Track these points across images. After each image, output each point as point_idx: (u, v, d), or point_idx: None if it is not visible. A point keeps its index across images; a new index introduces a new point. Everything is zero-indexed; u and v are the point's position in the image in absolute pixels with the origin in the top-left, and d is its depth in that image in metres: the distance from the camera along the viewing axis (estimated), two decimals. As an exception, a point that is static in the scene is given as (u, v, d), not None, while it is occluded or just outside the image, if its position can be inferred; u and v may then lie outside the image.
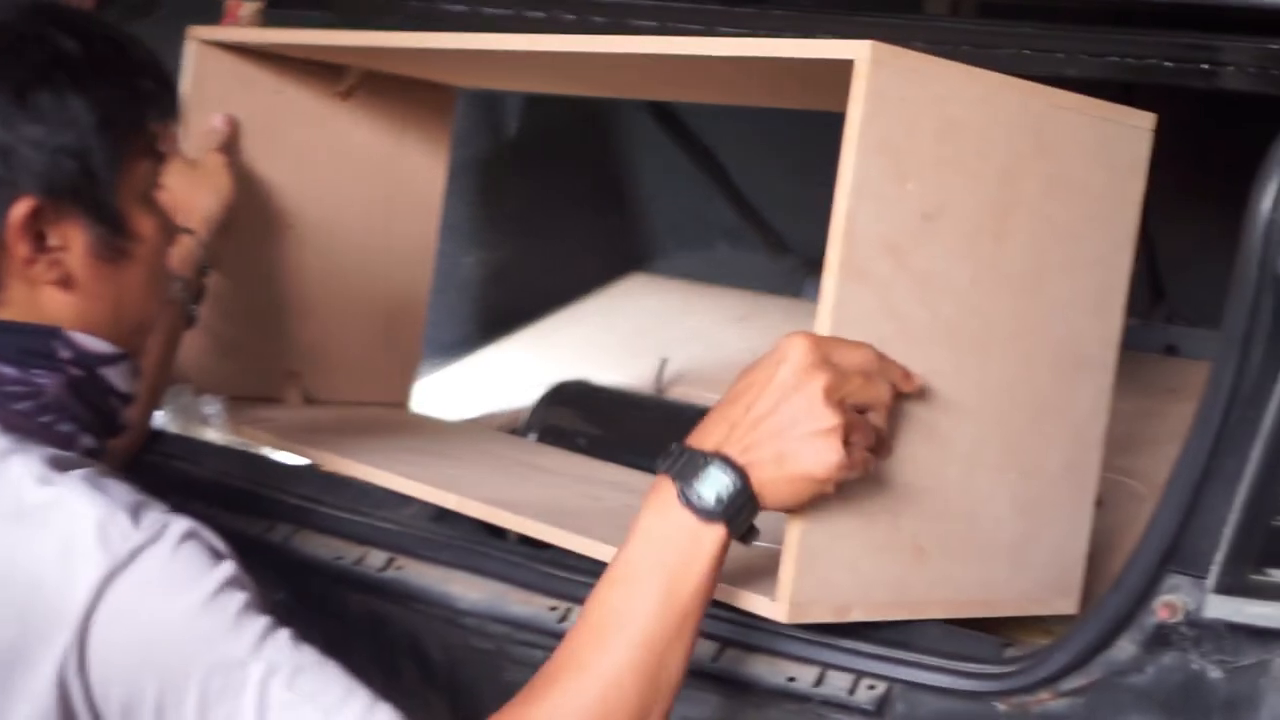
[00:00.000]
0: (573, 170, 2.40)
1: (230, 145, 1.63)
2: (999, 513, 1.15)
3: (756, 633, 1.14)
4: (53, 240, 1.09)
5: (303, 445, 1.53)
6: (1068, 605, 1.21)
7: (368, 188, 1.76)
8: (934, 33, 1.36)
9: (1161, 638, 1.06)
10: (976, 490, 1.13)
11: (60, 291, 1.10)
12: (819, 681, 1.13)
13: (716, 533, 1.00)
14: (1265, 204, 1.05)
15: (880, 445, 1.05)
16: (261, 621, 1.00)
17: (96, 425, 1.13)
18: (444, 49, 1.43)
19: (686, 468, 1.01)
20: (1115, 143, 1.18)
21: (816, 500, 1.03)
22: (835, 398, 1.00)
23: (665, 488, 1.01)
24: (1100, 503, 1.24)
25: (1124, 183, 1.20)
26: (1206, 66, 1.25)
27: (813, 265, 2.16)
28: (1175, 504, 1.06)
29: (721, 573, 1.03)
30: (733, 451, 1.01)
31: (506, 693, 1.26)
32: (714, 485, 1.00)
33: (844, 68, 1.04)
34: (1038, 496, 1.18)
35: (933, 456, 1.10)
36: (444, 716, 1.34)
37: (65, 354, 1.10)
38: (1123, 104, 1.19)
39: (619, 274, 2.26)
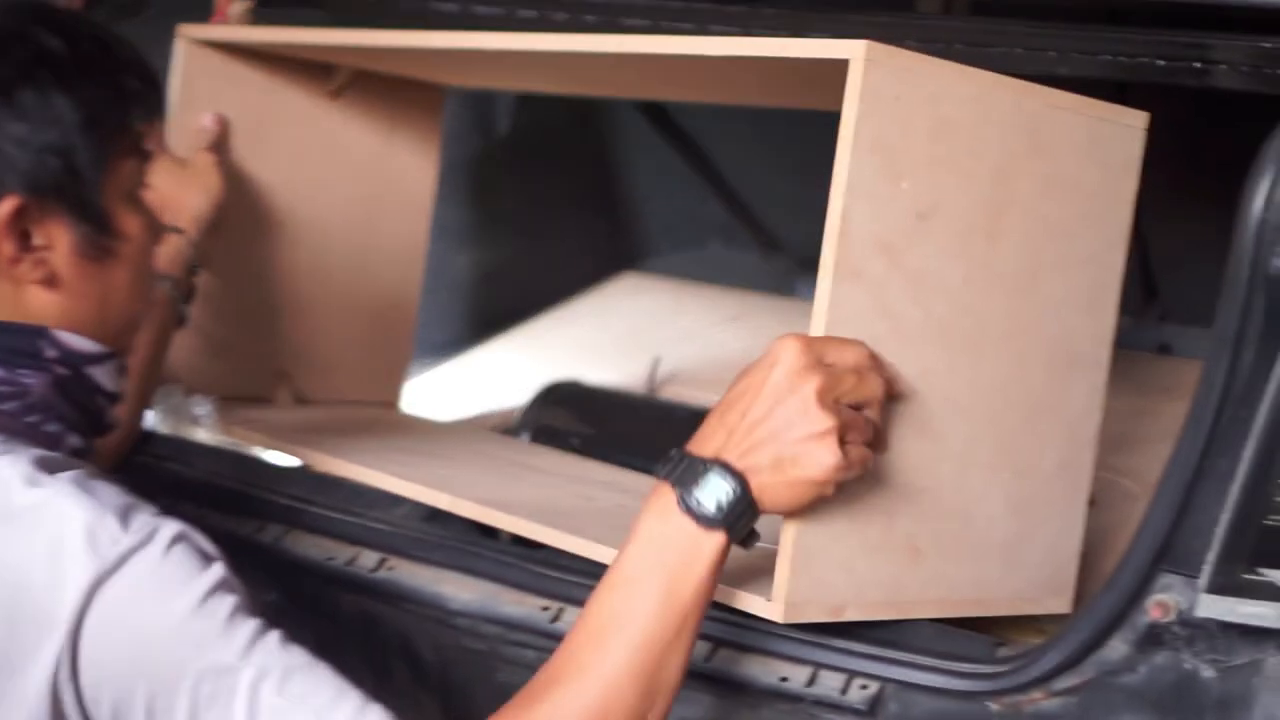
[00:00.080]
0: (565, 169, 2.40)
1: (220, 144, 1.63)
2: (992, 512, 1.15)
3: (749, 633, 1.14)
4: (37, 239, 1.09)
5: (294, 445, 1.52)
6: (1061, 604, 1.21)
7: (358, 187, 1.76)
8: (926, 31, 1.35)
9: (1154, 637, 1.06)
10: (970, 489, 1.13)
11: (45, 290, 1.10)
12: (811, 681, 1.13)
13: (716, 539, 1.00)
14: (1257, 203, 1.05)
15: (877, 440, 1.05)
16: (251, 624, 1.00)
17: (83, 425, 1.13)
18: (436, 48, 1.43)
19: (686, 474, 1.01)
20: (1108, 142, 1.18)
21: (816, 502, 1.03)
22: (829, 399, 1.00)
23: (665, 494, 1.01)
24: (1093, 502, 1.24)
25: (1117, 182, 1.20)
26: (1199, 65, 1.24)
27: (806, 265, 2.16)
28: (1168, 503, 1.06)
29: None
30: (731, 457, 1.01)
31: (499, 693, 1.26)
32: (714, 492, 1.00)
33: (838, 67, 1.04)
34: (1031, 495, 1.18)
35: (927, 455, 1.10)
36: (436, 717, 1.34)
37: (51, 353, 1.10)
38: (1116, 103, 1.19)
39: (611, 273, 2.26)
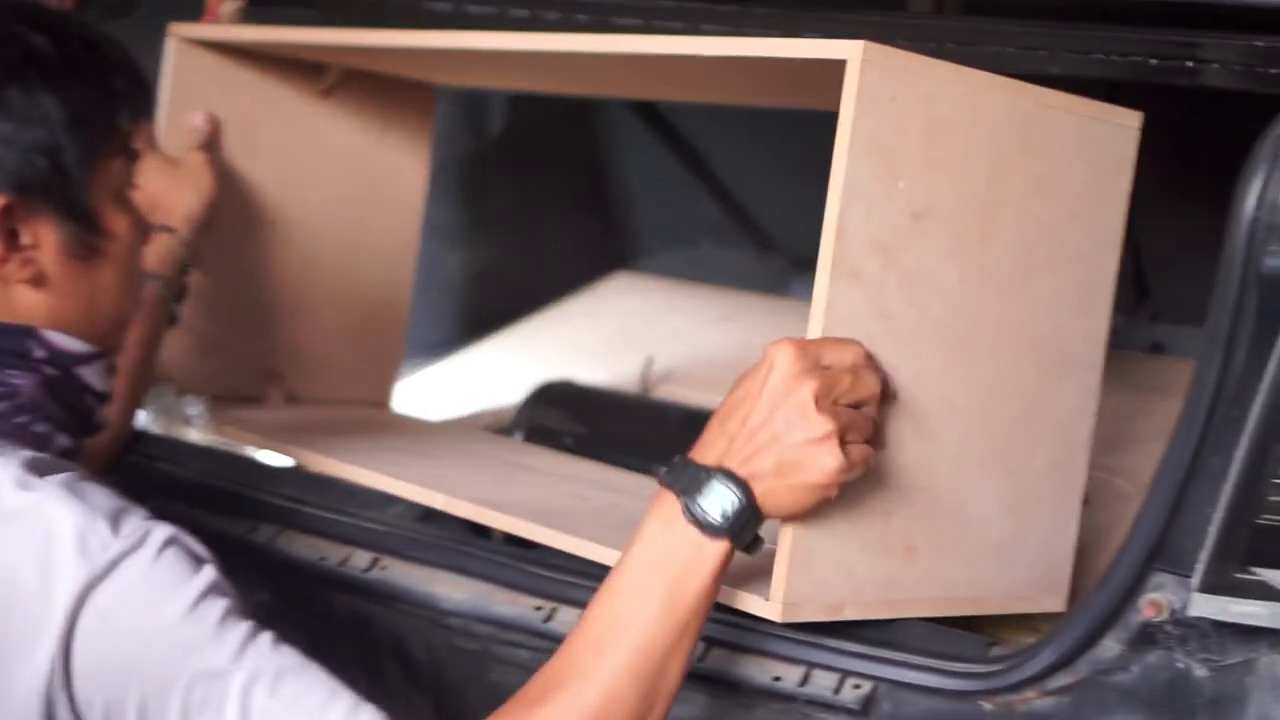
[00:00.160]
0: (557, 169, 2.40)
1: (211, 143, 1.63)
2: (987, 511, 1.15)
3: (743, 632, 1.14)
4: (25, 238, 1.08)
5: (288, 445, 1.52)
6: (1055, 603, 1.22)
7: (349, 186, 1.76)
8: (918, 30, 1.35)
9: (1147, 636, 1.06)
10: (965, 488, 1.14)
11: (33, 290, 1.10)
12: (804, 681, 1.13)
13: (720, 547, 1.01)
14: (1249, 202, 1.05)
15: (875, 437, 1.05)
16: (243, 627, 1.00)
17: (72, 425, 1.13)
18: (428, 48, 1.43)
19: (690, 483, 1.01)
20: (1101, 141, 1.18)
21: (821, 505, 1.03)
22: (827, 402, 1.01)
23: (669, 502, 1.02)
24: (1087, 501, 1.24)
25: (1110, 181, 1.20)
26: (1191, 64, 1.24)
27: (799, 264, 2.16)
28: (1160, 502, 1.06)
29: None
30: (733, 464, 1.01)
31: (492, 693, 1.27)
32: (718, 501, 1.00)
33: (834, 67, 1.04)
34: (1025, 495, 1.18)
35: (923, 455, 1.10)
36: (429, 717, 1.34)
37: (40, 353, 1.10)
38: (1108, 102, 1.19)
39: (604, 273, 2.26)
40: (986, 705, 1.09)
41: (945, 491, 1.12)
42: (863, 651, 1.12)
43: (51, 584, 0.98)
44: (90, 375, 1.13)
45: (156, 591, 0.99)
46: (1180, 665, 1.05)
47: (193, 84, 1.63)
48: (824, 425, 1.00)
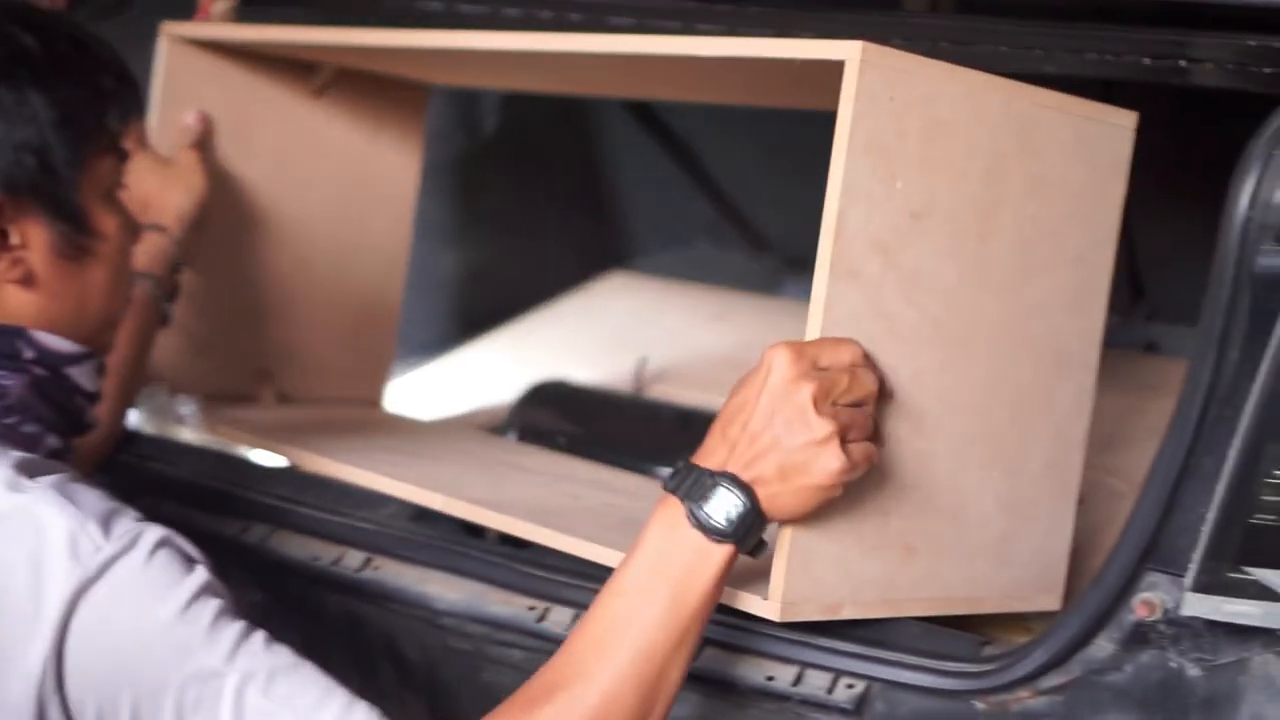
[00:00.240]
0: (551, 168, 2.40)
1: (203, 142, 1.63)
2: (984, 510, 1.15)
3: (737, 632, 1.14)
4: (13, 238, 1.08)
5: (282, 445, 1.52)
6: (1051, 601, 1.22)
7: (341, 185, 1.76)
8: (912, 30, 1.35)
9: (1140, 636, 1.06)
10: (962, 488, 1.14)
11: (22, 290, 1.09)
12: (798, 680, 1.13)
13: (724, 551, 1.01)
14: (1242, 201, 1.05)
15: (876, 435, 1.05)
16: (236, 628, 1.00)
17: (62, 425, 1.12)
18: (420, 48, 1.43)
19: (695, 488, 1.01)
20: (1097, 141, 1.18)
21: (825, 505, 1.03)
22: (826, 403, 1.01)
23: (673, 507, 1.02)
24: (1081, 500, 1.24)
25: (1105, 181, 1.20)
26: (1184, 63, 1.24)
27: (793, 264, 2.16)
28: (1153, 502, 1.06)
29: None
30: (736, 469, 1.01)
31: (485, 693, 1.26)
32: (723, 506, 1.00)
33: (831, 67, 1.04)
34: (1022, 494, 1.18)
35: (921, 454, 1.11)
36: (422, 718, 1.34)
37: (29, 354, 1.10)
38: (1103, 101, 1.19)
39: (598, 272, 2.25)
40: (980, 705, 1.09)
41: (943, 491, 1.12)
42: (856, 651, 1.12)
43: (43, 587, 0.98)
44: (80, 375, 1.13)
45: (149, 593, 0.99)
46: (1173, 665, 1.05)
47: (185, 83, 1.63)
48: (824, 427, 1.00)
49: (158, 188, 1.54)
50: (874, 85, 1.03)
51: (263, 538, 1.40)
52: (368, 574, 1.34)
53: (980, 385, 1.13)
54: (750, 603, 1.08)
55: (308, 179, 1.73)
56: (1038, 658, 1.08)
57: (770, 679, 1.14)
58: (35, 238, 1.09)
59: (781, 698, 1.13)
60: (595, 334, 2.08)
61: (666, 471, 1.55)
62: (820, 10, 1.43)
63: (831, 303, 1.04)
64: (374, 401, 1.84)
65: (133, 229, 1.18)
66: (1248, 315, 1.05)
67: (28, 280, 1.09)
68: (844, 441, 1.01)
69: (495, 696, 1.02)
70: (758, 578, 1.08)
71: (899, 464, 1.09)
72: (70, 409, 1.13)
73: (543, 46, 1.29)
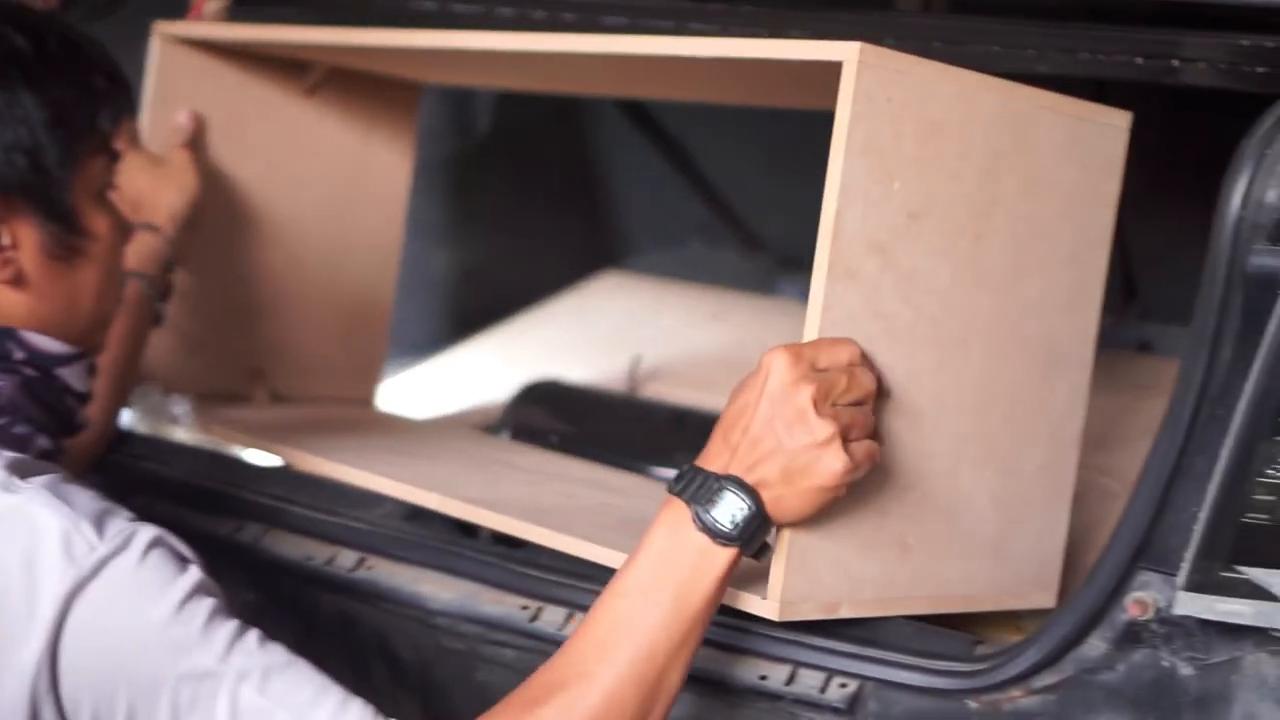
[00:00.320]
0: (545, 167, 2.40)
1: (195, 141, 1.62)
2: (980, 509, 1.16)
3: (729, 631, 1.14)
4: (4, 238, 1.08)
5: (277, 445, 1.52)
6: (1046, 599, 1.22)
7: (333, 184, 1.75)
8: (905, 29, 1.35)
9: (1132, 635, 1.06)
10: (958, 487, 1.14)
11: (12, 290, 1.09)
12: (791, 680, 1.13)
13: (728, 553, 1.01)
14: (1234, 201, 1.05)
15: (875, 433, 1.06)
16: (230, 626, 1.00)
17: (53, 426, 1.12)
18: (413, 47, 1.42)
19: (700, 491, 1.01)
20: (1091, 141, 1.19)
21: (829, 506, 1.04)
22: (826, 404, 1.01)
23: (678, 510, 1.02)
24: (1075, 499, 1.24)
25: (1099, 181, 1.20)
26: (1177, 63, 1.25)
27: (786, 263, 2.16)
28: (1146, 501, 1.06)
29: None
30: (740, 472, 1.01)
31: (478, 693, 1.26)
32: (728, 509, 1.01)
33: (828, 67, 1.04)
34: (1017, 492, 1.18)
35: (918, 454, 1.11)
36: (415, 717, 1.34)
37: (19, 355, 1.10)
38: (1095, 101, 1.19)
39: (592, 272, 2.25)
40: (972, 704, 1.09)
41: (939, 490, 1.13)
42: (849, 650, 1.12)
43: (37, 587, 0.98)
44: (70, 376, 1.13)
45: (143, 593, 0.99)
46: (1166, 664, 1.05)
47: (177, 82, 1.63)
48: (825, 429, 1.00)
49: (150, 187, 1.54)
50: (871, 86, 1.03)
51: (256, 537, 1.40)
52: (361, 574, 1.34)
53: (976, 384, 1.14)
54: (749, 602, 1.08)
55: (300, 178, 1.73)
56: (1030, 657, 1.08)
57: (763, 678, 1.14)
58: (26, 238, 1.09)
59: (774, 697, 1.13)
60: (588, 333, 2.08)
61: (660, 471, 1.58)
62: (813, 10, 1.43)
63: (829, 303, 1.04)
64: (366, 400, 1.84)
65: (124, 229, 1.18)
66: (1240, 314, 1.05)
67: (18, 281, 1.09)
68: (845, 441, 1.01)
69: (489, 696, 1.02)
70: (756, 577, 1.08)
71: (896, 463, 1.09)
72: (61, 410, 1.13)
73: (537, 47, 1.29)
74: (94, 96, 1.12)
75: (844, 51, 1.03)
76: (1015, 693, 1.08)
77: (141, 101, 1.61)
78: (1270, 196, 1.05)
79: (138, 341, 1.49)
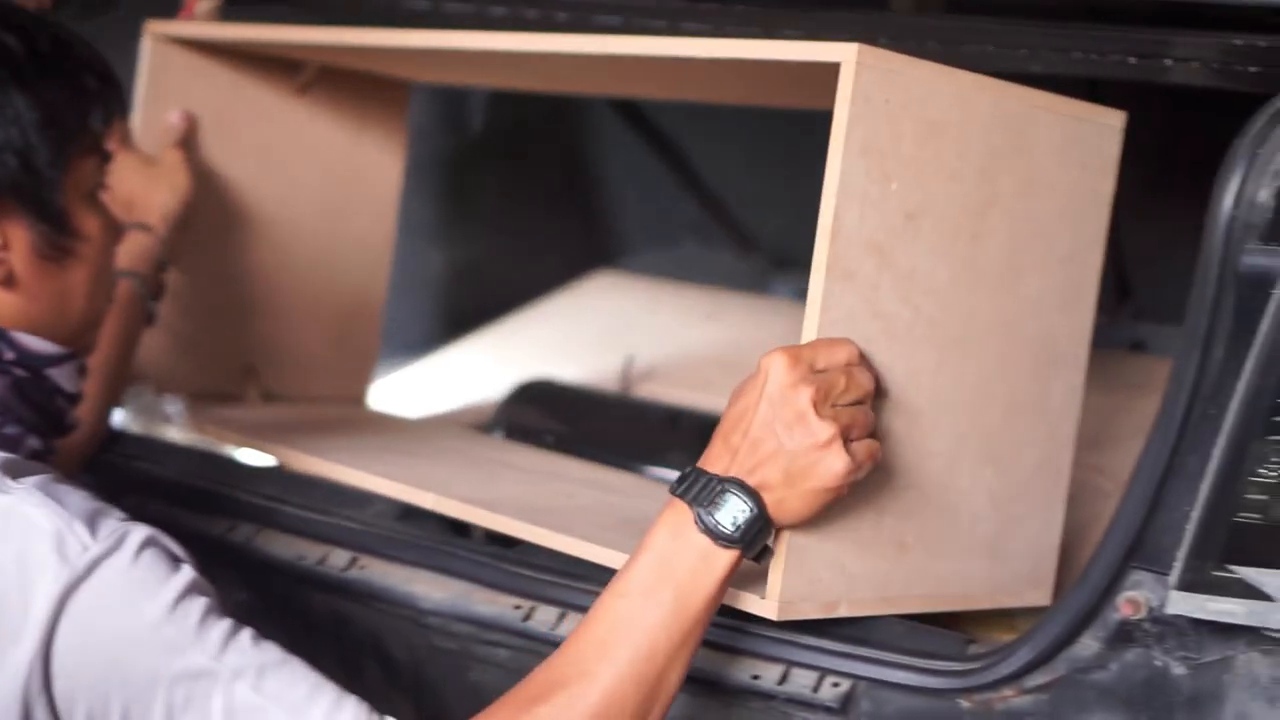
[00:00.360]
0: (539, 167, 2.40)
1: (187, 141, 1.62)
2: (977, 508, 1.16)
3: (722, 631, 1.14)
4: None
5: (271, 444, 1.52)
6: (1041, 597, 1.22)
7: (325, 182, 1.76)
8: (899, 29, 1.35)
9: (1124, 634, 1.06)
10: (956, 486, 1.14)
11: (2, 291, 1.09)
12: (783, 679, 1.13)
13: (730, 555, 1.01)
14: (1226, 200, 1.05)
15: (874, 432, 1.06)
16: (223, 625, 1.00)
17: (43, 426, 1.12)
18: (406, 47, 1.42)
19: (703, 494, 1.02)
20: (1086, 141, 1.19)
21: (831, 506, 1.04)
22: (825, 406, 1.01)
23: (681, 511, 1.02)
24: (1068, 498, 1.24)
25: (1095, 180, 1.20)
26: (1170, 62, 1.25)
27: (780, 263, 2.16)
28: (1138, 500, 1.06)
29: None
30: (742, 475, 1.01)
31: (471, 692, 1.26)
32: (731, 512, 1.01)
33: (824, 68, 1.04)
34: (1014, 491, 1.18)
35: (915, 453, 1.11)
36: (409, 717, 1.33)
37: (9, 355, 1.09)
38: (1089, 100, 1.19)
39: (586, 271, 2.25)
40: (964, 703, 1.09)
41: (937, 489, 1.13)
42: (841, 650, 1.12)
43: (30, 587, 0.97)
44: (60, 377, 1.13)
45: (136, 593, 0.99)
46: (1158, 663, 1.05)
47: (169, 82, 1.63)
48: (826, 430, 1.00)
49: (142, 187, 1.54)
50: (869, 87, 1.03)
51: (248, 537, 1.40)
52: (354, 573, 1.34)
53: (974, 384, 1.14)
54: (748, 602, 1.09)
55: (292, 177, 1.73)
56: (1023, 656, 1.08)
57: (756, 678, 1.14)
58: (16, 239, 1.09)
59: (767, 696, 1.13)
60: (582, 333, 2.08)
61: (654, 471, 1.58)
62: (807, 10, 1.43)
63: (828, 304, 1.04)
64: (358, 399, 1.84)
65: (115, 230, 1.18)
66: (1232, 314, 1.05)
67: (8, 281, 1.09)
68: (846, 441, 1.01)
69: (482, 695, 1.02)
70: (755, 577, 1.09)
71: (895, 463, 1.10)
72: (51, 410, 1.13)
73: (530, 47, 1.29)
74: (85, 97, 1.11)
75: (842, 53, 1.03)
76: (1008, 692, 1.08)
77: (133, 101, 1.61)
78: (1262, 196, 1.05)
79: (130, 341, 1.48)
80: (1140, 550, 1.06)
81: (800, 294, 2.09)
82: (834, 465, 1.00)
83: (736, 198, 2.21)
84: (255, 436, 1.55)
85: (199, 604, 1.00)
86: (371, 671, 1.34)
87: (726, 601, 1.07)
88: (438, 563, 1.31)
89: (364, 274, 1.80)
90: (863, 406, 1.04)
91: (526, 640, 1.24)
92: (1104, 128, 1.20)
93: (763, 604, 1.07)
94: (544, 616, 1.24)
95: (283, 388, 1.75)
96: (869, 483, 1.07)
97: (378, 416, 1.82)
